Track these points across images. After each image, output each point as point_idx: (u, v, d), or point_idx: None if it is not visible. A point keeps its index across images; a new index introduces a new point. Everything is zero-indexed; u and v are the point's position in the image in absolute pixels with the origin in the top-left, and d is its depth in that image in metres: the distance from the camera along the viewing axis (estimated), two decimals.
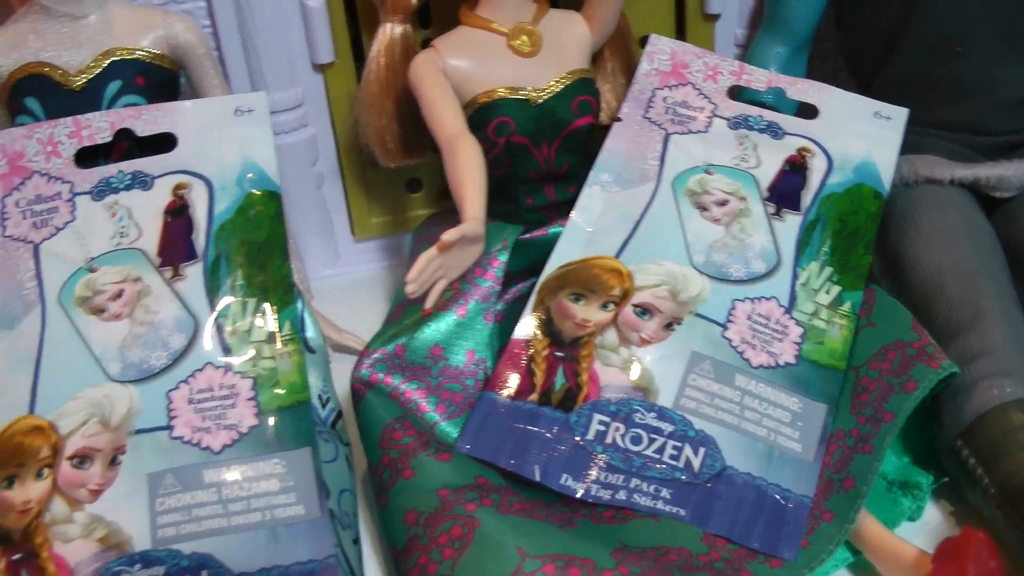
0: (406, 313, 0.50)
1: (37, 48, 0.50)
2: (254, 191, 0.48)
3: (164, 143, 0.51)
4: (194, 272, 0.47)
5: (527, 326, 0.48)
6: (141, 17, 0.52)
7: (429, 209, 0.64)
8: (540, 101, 0.54)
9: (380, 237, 0.65)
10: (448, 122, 0.50)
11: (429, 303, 0.47)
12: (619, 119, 0.54)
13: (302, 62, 0.58)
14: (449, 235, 0.45)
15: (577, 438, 0.46)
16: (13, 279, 0.46)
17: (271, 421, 0.44)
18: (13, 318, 0.46)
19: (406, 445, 0.44)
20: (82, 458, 0.43)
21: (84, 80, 0.50)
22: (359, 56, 0.59)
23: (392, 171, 0.59)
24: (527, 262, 0.50)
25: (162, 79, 0.51)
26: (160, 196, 0.48)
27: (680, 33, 0.61)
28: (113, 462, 0.43)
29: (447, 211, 0.54)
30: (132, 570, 0.41)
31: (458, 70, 0.53)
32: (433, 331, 0.49)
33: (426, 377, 0.48)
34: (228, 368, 0.45)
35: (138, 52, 0.50)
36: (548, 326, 0.49)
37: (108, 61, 0.50)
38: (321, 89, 0.58)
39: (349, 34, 0.59)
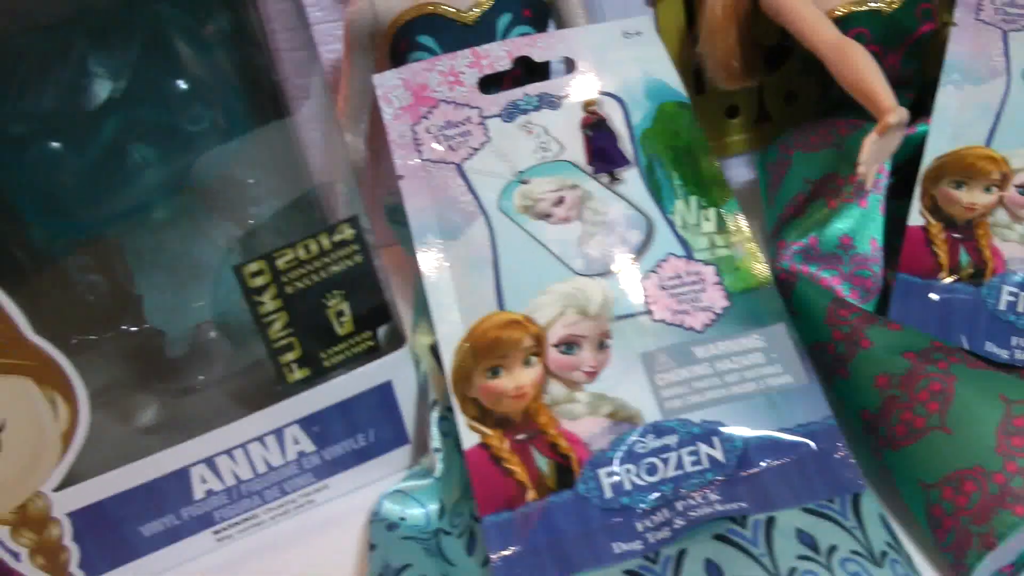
0: (812, 207, 0.57)
1: None
2: (665, 102, 0.56)
3: (544, 72, 0.59)
4: (631, 176, 0.54)
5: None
6: None
7: (745, 135, 0.72)
8: (889, 11, 0.62)
9: None
10: (826, 29, 0.59)
11: (869, 183, 0.55)
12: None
13: None
14: (891, 118, 0.53)
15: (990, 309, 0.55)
16: (445, 195, 0.54)
17: (741, 301, 0.50)
18: (456, 228, 0.53)
19: (855, 320, 0.51)
20: (568, 344, 0.50)
21: (476, 15, 0.58)
22: None
23: (714, 98, 0.67)
24: (903, 157, 0.58)
25: (541, 11, 0.60)
26: (570, 114, 0.56)
27: None
28: (601, 346, 0.50)
29: (809, 124, 0.62)
30: (645, 439, 0.47)
31: None
32: (841, 223, 0.56)
33: (838, 265, 0.55)
34: (689, 257, 0.52)
35: None
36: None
37: None
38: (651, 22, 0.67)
39: None
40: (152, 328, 0.58)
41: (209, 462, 0.53)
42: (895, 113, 0.54)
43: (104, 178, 0.51)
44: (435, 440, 0.53)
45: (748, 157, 0.74)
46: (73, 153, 0.50)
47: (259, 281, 0.51)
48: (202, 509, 0.54)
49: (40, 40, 0.48)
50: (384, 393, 0.55)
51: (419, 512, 0.52)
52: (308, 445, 0.55)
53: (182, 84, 0.51)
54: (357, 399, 0.55)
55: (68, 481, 0.52)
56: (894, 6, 0.63)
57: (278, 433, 0.54)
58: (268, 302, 0.51)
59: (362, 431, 0.56)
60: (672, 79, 0.58)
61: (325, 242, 0.51)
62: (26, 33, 0.48)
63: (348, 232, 0.51)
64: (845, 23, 0.62)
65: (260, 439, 0.54)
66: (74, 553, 0.53)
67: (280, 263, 0.51)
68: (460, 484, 0.53)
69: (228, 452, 0.53)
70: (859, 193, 0.58)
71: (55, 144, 0.50)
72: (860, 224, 0.58)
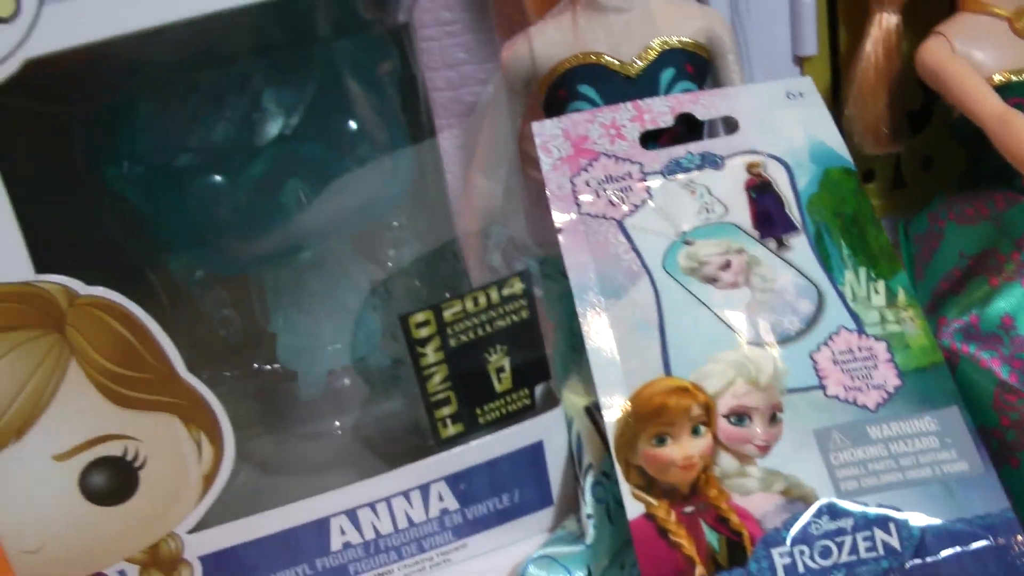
0: (972, 284, 0.57)
1: (589, 40, 0.58)
2: (831, 168, 0.56)
3: (698, 126, 0.60)
4: (799, 243, 0.55)
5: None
6: (681, 10, 0.61)
7: (881, 200, 0.72)
8: None
9: None
10: (990, 98, 0.59)
11: None
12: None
13: (783, 54, 0.67)
14: None
15: None
16: (606, 252, 0.54)
17: (913, 381, 0.50)
18: (619, 288, 0.53)
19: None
20: (739, 415, 0.50)
21: (640, 68, 0.58)
22: (834, 49, 0.67)
23: None
24: None
25: (702, 67, 0.60)
26: (734, 174, 0.57)
27: None
28: (773, 419, 0.50)
29: (959, 195, 0.64)
30: (820, 521, 0.47)
31: (968, 55, 0.62)
32: (1003, 302, 0.57)
33: (998, 346, 0.55)
34: (861, 331, 0.52)
35: (684, 41, 0.59)
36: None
37: (661, 50, 0.59)
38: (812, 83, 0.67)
39: (828, 28, 0.68)
40: (285, 369, 0.58)
41: (351, 514, 0.53)
42: None
43: (261, 215, 0.51)
44: (588, 506, 0.53)
45: (884, 222, 0.73)
46: (234, 187, 0.50)
47: (424, 332, 0.50)
48: (337, 561, 0.54)
49: (217, 74, 0.48)
50: (534, 453, 0.55)
51: None
52: (452, 503, 0.55)
53: (352, 124, 0.51)
54: (507, 458, 0.54)
55: (203, 524, 0.52)
56: None
57: (424, 489, 0.54)
58: (431, 354, 0.51)
59: (507, 491, 0.55)
60: (837, 143, 0.58)
61: (494, 295, 0.51)
62: (203, 67, 0.48)
63: (518, 286, 0.51)
64: (1001, 93, 0.62)
65: (405, 494, 0.54)
66: None
67: (447, 315, 0.51)
68: (610, 552, 0.53)
69: (371, 505, 0.53)
70: (1022, 272, 0.58)
71: (218, 177, 0.50)
72: (1021, 305, 0.58)
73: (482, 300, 0.51)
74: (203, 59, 0.48)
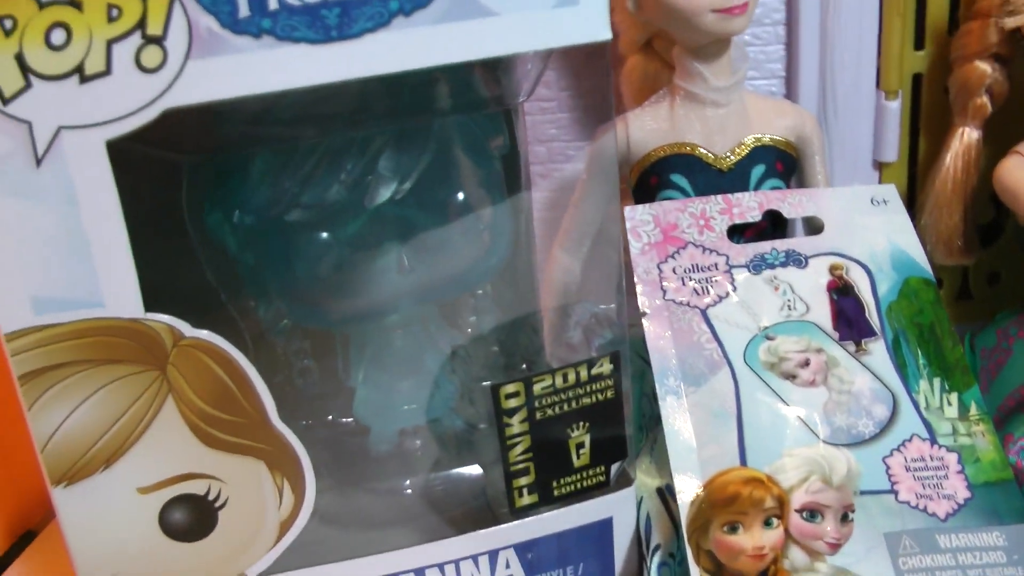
0: None
1: (685, 130, 0.60)
2: (911, 277, 0.57)
3: (782, 224, 0.61)
4: (877, 348, 0.55)
5: None
6: (774, 108, 0.62)
7: (946, 309, 0.72)
8: None
9: None
10: None
11: None
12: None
13: (864, 158, 0.68)
14: None
15: None
16: (689, 339, 0.55)
17: (982, 494, 0.51)
18: (700, 376, 0.54)
19: None
20: (812, 512, 0.50)
21: (732, 162, 0.59)
22: (912, 157, 0.70)
23: None
24: None
25: (791, 165, 0.61)
26: (816, 274, 0.58)
27: None
28: (845, 519, 0.50)
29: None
30: None
31: None
32: None
33: None
34: (933, 441, 0.52)
35: (776, 139, 0.60)
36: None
37: (753, 146, 0.60)
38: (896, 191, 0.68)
39: (909, 136, 0.70)
40: (358, 423, 0.59)
41: (419, 573, 0.53)
42: None
43: (360, 275, 0.52)
44: None
45: None
46: (338, 245, 0.51)
47: (513, 403, 0.51)
48: None
49: (340, 136, 0.50)
50: (603, 529, 0.55)
51: None
52: (518, 572, 0.55)
53: (460, 195, 0.52)
54: (575, 532, 0.55)
55: (274, 569, 0.52)
56: None
57: (492, 555, 0.54)
58: (516, 424, 0.52)
59: (572, 564, 0.56)
60: (918, 253, 0.59)
61: (583, 373, 0.52)
62: (328, 129, 0.49)
63: (607, 367, 0.52)
64: None
65: (474, 558, 0.54)
66: None
67: (536, 388, 0.51)
68: None
69: (440, 566, 0.53)
70: None
71: (324, 234, 0.51)
72: None
73: (571, 377, 0.51)
74: (328, 122, 0.49)
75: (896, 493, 0.52)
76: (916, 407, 0.54)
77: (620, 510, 0.55)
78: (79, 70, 0.42)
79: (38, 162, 0.43)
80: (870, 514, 0.51)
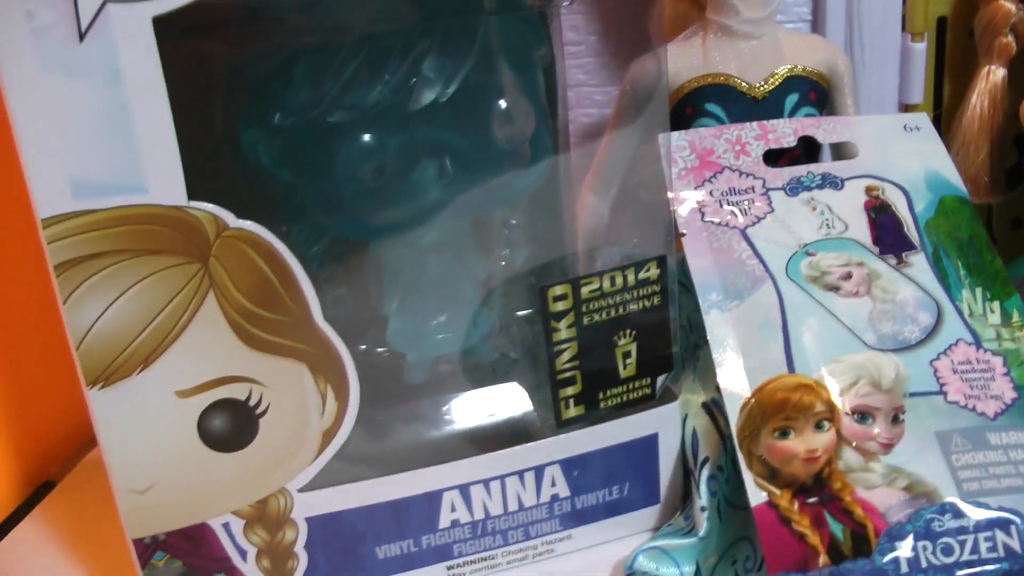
0: None
1: (718, 61, 0.60)
2: (946, 196, 0.57)
3: (815, 150, 0.61)
4: (918, 261, 0.55)
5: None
6: (806, 42, 0.63)
7: None
8: None
9: None
10: None
11: None
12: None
13: (890, 99, 0.68)
14: None
15: None
16: (731, 257, 0.54)
17: None
18: (741, 290, 0.53)
19: None
20: (862, 414, 0.49)
21: (766, 91, 0.59)
22: (937, 100, 0.71)
23: None
24: None
25: (823, 96, 0.61)
26: (853, 196, 0.57)
27: None
28: (895, 420, 0.49)
29: None
30: (943, 518, 0.46)
31: None
32: None
33: None
34: (978, 345, 0.52)
35: (809, 70, 0.60)
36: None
37: (786, 76, 0.60)
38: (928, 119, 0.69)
39: (934, 79, 0.71)
40: (392, 352, 0.57)
41: (463, 490, 0.52)
42: None
43: (403, 181, 0.51)
44: (703, 498, 0.52)
45: None
46: (381, 148, 0.50)
47: (560, 306, 0.50)
48: (443, 540, 0.53)
49: (384, 38, 0.49)
50: (648, 446, 0.54)
51: (674, 572, 0.51)
52: (564, 489, 0.53)
53: (502, 103, 0.52)
54: (621, 448, 0.54)
55: (315, 483, 0.51)
56: None
57: (538, 471, 0.53)
58: (563, 329, 0.51)
59: (618, 483, 0.54)
60: (951, 174, 0.59)
61: (631, 277, 0.51)
62: (372, 30, 0.49)
63: (654, 271, 0.51)
64: None
65: (519, 474, 0.53)
66: (302, 562, 0.52)
67: (584, 291, 0.50)
68: (720, 548, 0.51)
69: (485, 483, 0.52)
70: None
71: (367, 137, 0.50)
72: None
73: (619, 280, 0.50)
74: (373, 23, 0.48)
75: (945, 394, 0.51)
76: (960, 314, 0.54)
77: (666, 426, 0.54)
78: None
79: (81, 36, 0.42)
80: (920, 415, 0.51)
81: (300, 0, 0.48)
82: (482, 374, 0.58)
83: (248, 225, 0.47)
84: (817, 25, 0.69)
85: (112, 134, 0.43)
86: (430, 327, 0.58)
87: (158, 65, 0.43)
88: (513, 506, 0.52)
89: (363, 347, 0.58)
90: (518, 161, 0.53)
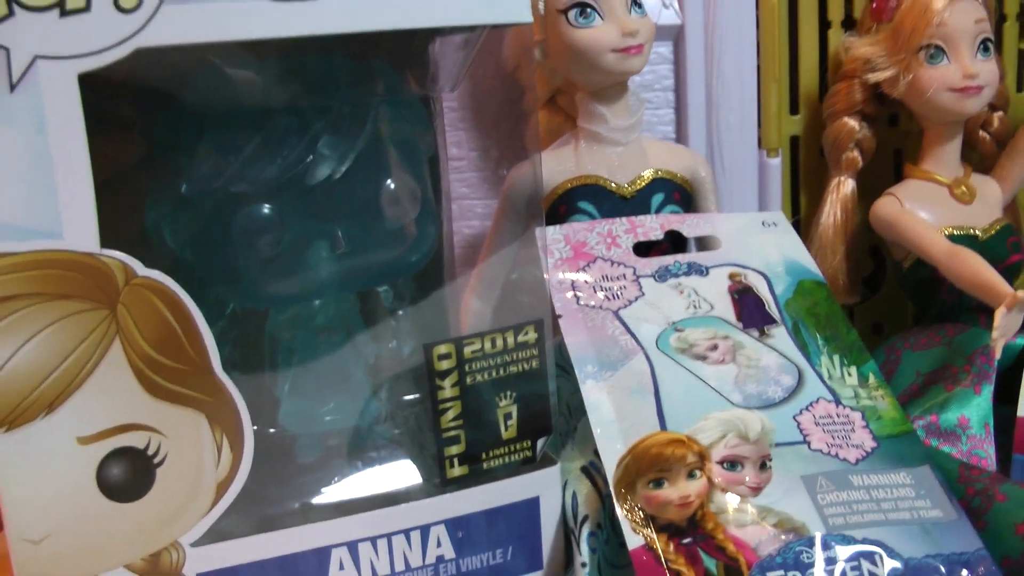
0: (931, 391, 0.68)
1: (589, 165, 0.70)
2: (804, 279, 0.67)
3: (681, 245, 0.70)
4: (779, 333, 0.63)
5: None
6: (671, 150, 0.73)
7: None
8: (985, 239, 0.74)
9: None
10: (939, 239, 0.71)
11: (998, 353, 0.65)
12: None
13: (751, 209, 0.79)
14: (1021, 293, 0.64)
15: None
16: (604, 334, 0.62)
17: (887, 444, 0.59)
18: (616, 361, 0.61)
19: (986, 479, 0.59)
20: (732, 463, 0.57)
21: (634, 190, 0.69)
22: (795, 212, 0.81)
23: None
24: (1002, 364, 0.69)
25: (687, 197, 0.71)
26: (717, 281, 0.66)
27: None
28: (763, 467, 0.57)
29: (915, 329, 0.76)
30: (811, 550, 0.54)
31: (915, 212, 0.75)
32: (957, 405, 0.67)
33: (956, 443, 0.65)
34: (838, 402, 0.60)
35: (672, 173, 0.71)
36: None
37: (652, 178, 0.70)
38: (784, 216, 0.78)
39: (791, 194, 0.82)
40: (283, 433, 0.62)
41: (352, 547, 0.55)
42: (1020, 293, 0.65)
43: (297, 253, 0.57)
44: (583, 555, 0.57)
45: None
46: (279, 221, 0.57)
47: (445, 365, 0.56)
48: None
49: (283, 116, 0.57)
50: (530, 509, 0.59)
51: None
52: (449, 550, 0.58)
53: (391, 184, 0.60)
54: (503, 510, 0.58)
55: (208, 538, 0.53)
56: (988, 237, 0.75)
57: (423, 530, 0.57)
58: (448, 388, 0.56)
59: (501, 546, 0.59)
60: (808, 262, 0.68)
61: (509, 339, 0.57)
62: (272, 110, 0.56)
63: (532, 335, 0.58)
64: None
65: (406, 533, 0.57)
66: None
67: (467, 351, 0.56)
68: None
69: (372, 540, 0.56)
70: (974, 381, 0.67)
71: (266, 209, 0.57)
72: (975, 409, 0.66)
73: (499, 342, 0.57)
74: (273, 101, 0.55)
75: (808, 443, 0.58)
76: (820, 377, 0.61)
77: (546, 490, 0.59)
78: (60, 4, 0.47)
79: (12, 87, 0.47)
80: (786, 461, 0.57)
81: (208, 79, 0.54)
82: (370, 457, 0.63)
83: (155, 274, 0.51)
84: (681, 142, 0.79)
85: (33, 180, 0.47)
86: (321, 408, 0.63)
87: (81, 119, 0.48)
88: (400, 566, 0.56)
89: (255, 428, 0.63)
90: (404, 239, 0.60)
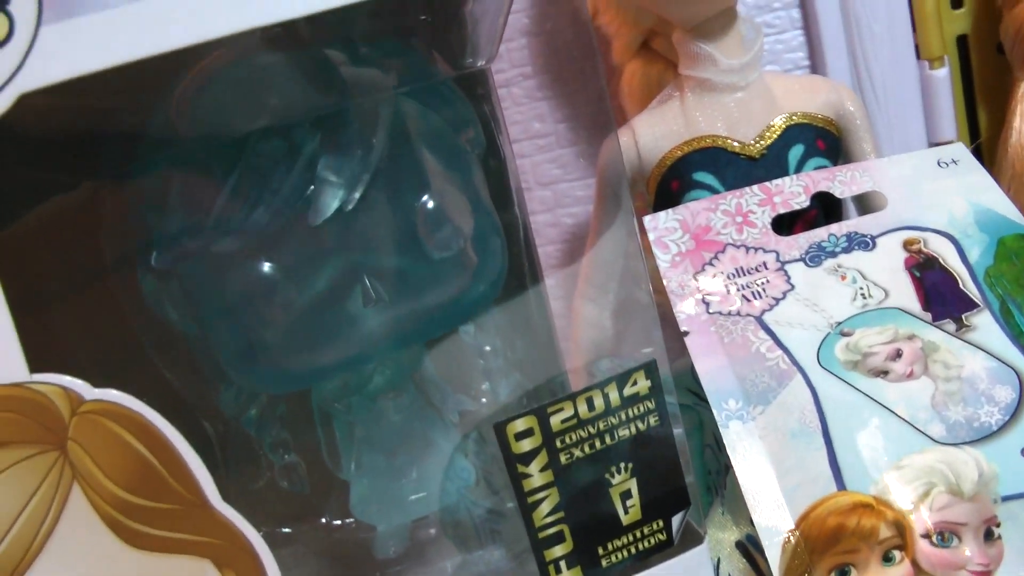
0: None
1: (701, 122, 0.46)
2: (1005, 236, 0.43)
3: (836, 211, 0.49)
4: (983, 321, 0.41)
5: None
6: (804, 84, 0.50)
7: None
8: None
9: None
10: None
11: None
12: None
13: (917, 141, 0.54)
14: None
15: None
16: (747, 352, 0.40)
17: None
18: (767, 391, 0.40)
19: None
20: (943, 534, 0.34)
21: (763, 147, 0.46)
22: (974, 133, 0.58)
23: None
24: None
25: (834, 144, 0.48)
26: (888, 255, 0.44)
27: None
28: (988, 536, 0.34)
29: None
30: None
31: None
32: None
33: None
34: None
35: (811, 115, 0.47)
36: None
37: (785, 127, 0.47)
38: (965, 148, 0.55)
39: (966, 109, 0.59)
40: (359, 522, 0.43)
41: None
42: None
43: (321, 314, 0.38)
44: None
45: None
46: (285, 279, 0.37)
47: (526, 445, 0.36)
48: None
49: (264, 142, 0.36)
50: None
51: None
52: None
53: (428, 201, 0.38)
54: None
55: None
56: None
57: None
58: (536, 474, 0.36)
59: None
60: (1007, 209, 0.45)
61: (613, 396, 0.37)
62: (248, 135, 0.36)
63: (643, 383, 0.37)
64: None
65: None
66: None
67: (555, 421, 0.36)
68: None
69: None
70: None
71: (266, 267, 0.37)
72: None
73: (599, 402, 0.36)
74: (242, 124, 0.36)
75: None
76: None
77: None
78: None
79: None
80: (1020, 524, 0.37)
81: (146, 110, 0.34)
82: (467, 534, 0.43)
83: (111, 395, 0.35)
84: (816, 70, 0.56)
85: None
86: (400, 487, 0.43)
87: None
88: None
89: (323, 520, 0.44)
90: (463, 268, 0.39)
